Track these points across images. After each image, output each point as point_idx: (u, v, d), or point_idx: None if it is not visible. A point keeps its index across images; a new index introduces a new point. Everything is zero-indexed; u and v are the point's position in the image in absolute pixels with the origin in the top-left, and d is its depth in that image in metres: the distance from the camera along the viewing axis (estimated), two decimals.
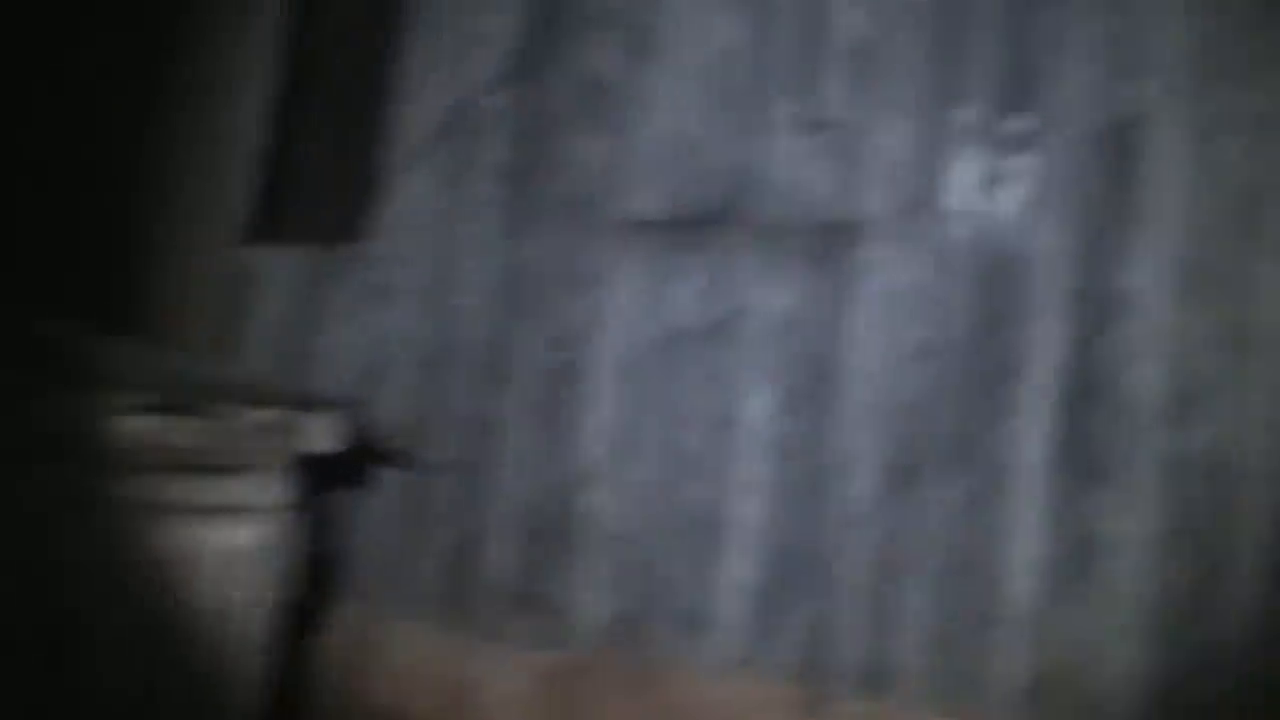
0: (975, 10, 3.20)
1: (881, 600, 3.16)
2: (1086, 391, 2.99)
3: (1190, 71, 2.98)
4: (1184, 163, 2.96)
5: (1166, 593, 2.87)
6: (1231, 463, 2.84)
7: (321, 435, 3.48)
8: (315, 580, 3.80)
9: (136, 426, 3.22)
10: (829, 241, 3.32)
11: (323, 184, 4.26)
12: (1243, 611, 2.81)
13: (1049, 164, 3.09)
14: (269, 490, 3.48)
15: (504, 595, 3.68)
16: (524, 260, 3.74)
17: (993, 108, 3.17)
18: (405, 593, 3.85)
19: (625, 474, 3.51)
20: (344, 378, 4.00)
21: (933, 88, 3.24)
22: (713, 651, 3.34)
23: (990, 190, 3.15)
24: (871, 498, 3.19)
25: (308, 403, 3.52)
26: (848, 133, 3.33)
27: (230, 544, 3.41)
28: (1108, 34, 3.05)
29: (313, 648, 3.90)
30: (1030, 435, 3.05)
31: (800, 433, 3.31)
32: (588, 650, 3.52)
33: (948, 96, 3.22)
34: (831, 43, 3.38)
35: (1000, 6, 3.19)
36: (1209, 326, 2.90)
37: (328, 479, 3.72)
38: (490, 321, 3.79)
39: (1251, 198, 2.89)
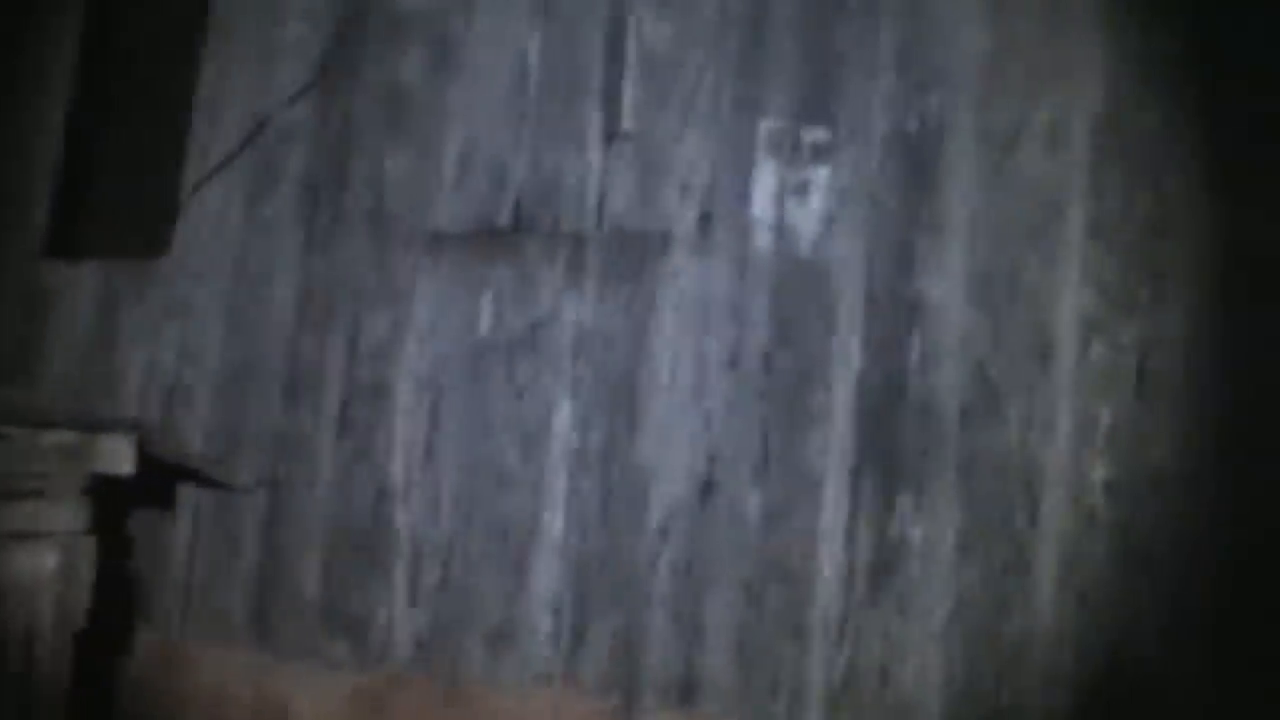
0: (775, 22, 3.21)
1: (689, 611, 3.14)
2: (888, 398, 3.02)
3: (984, 82, 3.03)
4: (979, 171, 3.01)
5: (968, 594, 2.91)
6: (1032, 465, 2.88)
7: (120, 458, 3.37)
8: (121, 603, 3.67)
9: None
10: (632, 252, 3.30)
11: (124, 197, 4.12)
12: (1042, 612, 2.85)
13: (848, 174, 3.12)
14: (68, 514, 3.35)
15: (314, 614, 3.59)
16: (327, 274, 3.66)
17: (792, 119, 3.19)
18: (214, 613, 3.73)
19: (432, 489, 3.45)
20: (147, 396, 3.88)
21: (734, 99, 3.25)
22: (523, 666, 3.30)
23: (791, 200, 3.16)
24: (677, 508, 3.17)
25: (106, 424, 3.41)
26: (650, 144, 3.32)
27: (29, 569, 3.31)
28: (903, 45, 3.10)
29: (119, 671, 3.76)
30: (834, 442, 3.06)
31: (605, 444, 3.28)
32: (398, 667, 3.45)
33: (748, 108, 3.24)
34: (634, 54, 3.37)
35: (799, 19, 3.21)
36: (1007, 332, 2.94)
37: (131, 500, 3.59)
38: (294, 337, 3.69)
39: (1046, 205, 2.94)
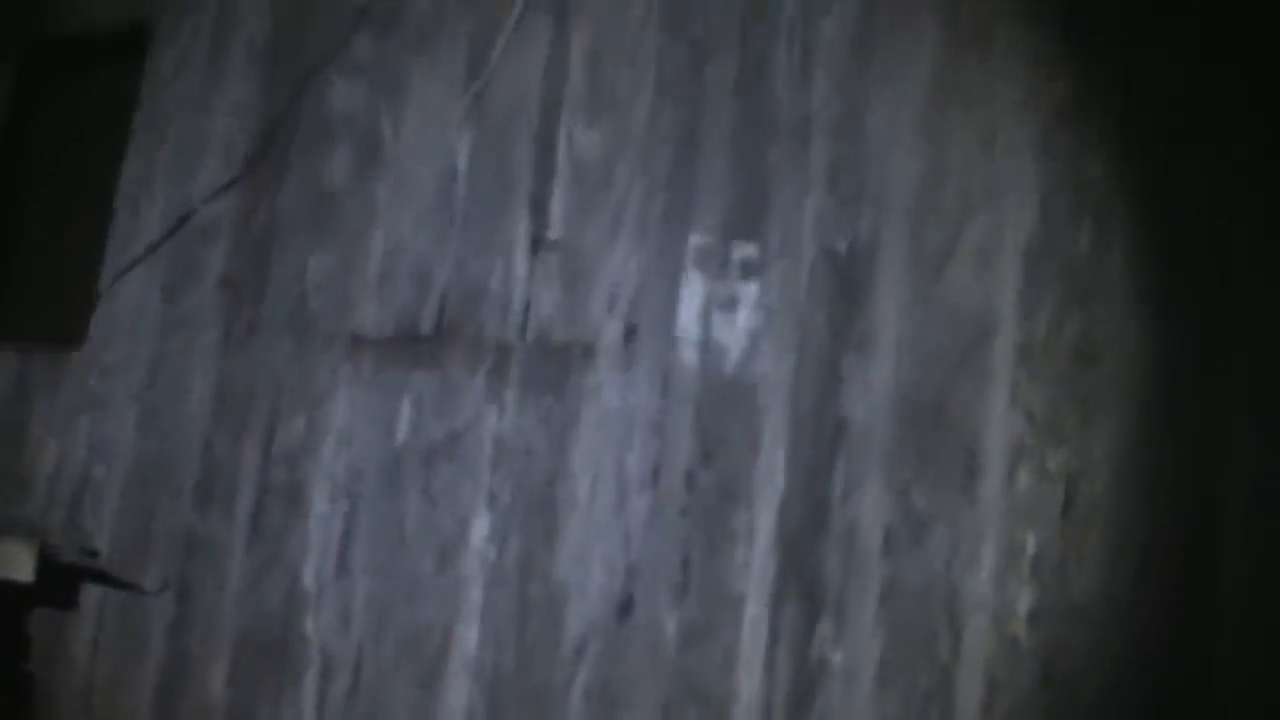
0: (706, 137, 3.17)
1: None
2: (811, 520, 2.93)
3: (915, 203, 2.98)
4: (908, 293, 2.94)
5: None
6: (955, 592, 2.80)
7: (20, 565, 3.24)
8: (19, 706, 3.51)
9: None
10: (555, 363, 3.23)
11: (40, 286, 4.02)
12: None
13: (776, 292, 3.05)
14: None
15: None
16: (244, 373, 3.57)
17: (721, 234, 3.12)
18: (117, 717, 3.59)
19: (345, 597, 3.34)
20: (55, 491, 3.76)
21: (663, 212, 3.19)
22: None
23: (718, 316, 3.09)
24: (594, 626, 3.08)
25: (7, 525, 3.27)
26: (577, 253, 3.26)
27: None
28: (834, 164, 3.05)
29: None
30: (755, 564, 2.97)
31: (523, 558, 3.18)
32: None
33: (678, 221, 3.17)
34: (563, 162, 3.32)
35: (730, 134, 3.16)
36: (933, 456, 2.87)
37: (31, 601, 3.45)
38: (208, 436, 3.60)
39: (975, 329, 2.88)
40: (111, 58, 4.10)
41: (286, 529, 3.44)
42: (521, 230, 3.33)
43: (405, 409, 3.36)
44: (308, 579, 3.39)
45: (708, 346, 3.09)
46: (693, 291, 3.13)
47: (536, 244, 3.31)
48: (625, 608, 3.06)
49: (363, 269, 3.47)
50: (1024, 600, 2.79)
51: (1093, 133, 2.94)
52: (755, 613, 2.96)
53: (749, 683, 2.93)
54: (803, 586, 2.92)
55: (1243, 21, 2.97)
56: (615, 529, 3.11)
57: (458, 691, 3.19)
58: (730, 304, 3.09)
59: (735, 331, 3.07)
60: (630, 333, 3.17)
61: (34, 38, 4.22)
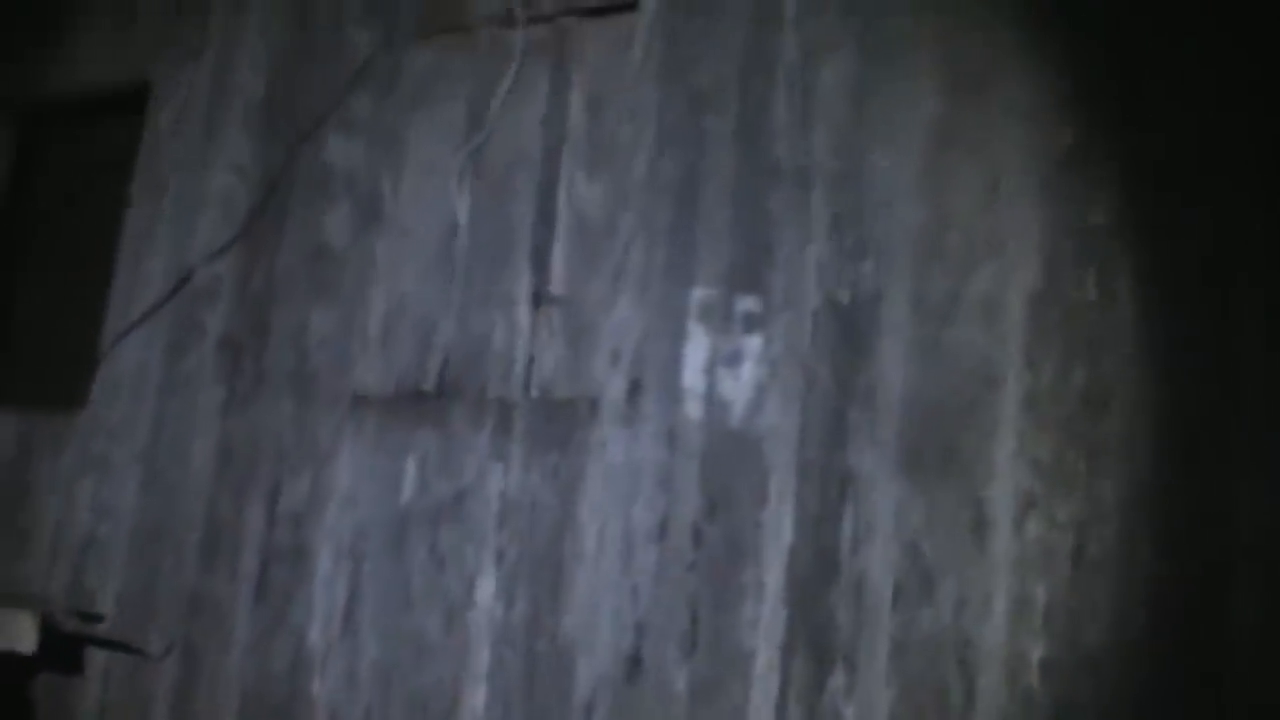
0: (707, 189, 3.13)
1: None
2: (819, 573, 2.89)
3: (919, 253, 2.95)
4: (913, 343, 2.91)
5: None
6: (967, 643, 2.76)
7: (23, 636, 3.21)
8: None
9: None
10: (559, 420, 3.18)
11: (41, 347, 3.98)
12: None
13: (780, 344, 3.01)
14: None
15: None
16: (247, 434, 3.52)
17: (724, 287, 3.09)
18: None
19: (351, 658, 3.29)
20: (58, 554, 3.71)
21: (665, 265, 3.15)
22: None
23: (722, 369, 3.05)
24: (604, 683, 3.03)
25: (9, 596, 3.24)
26: (580, 309, 3.22)
27: None
28: (837, 214, 3.01)
29: None
30: (764, 618, 2.93)
31: (530, 616, 3.13)
32: None
33: (680, 276, 3.14)
34: (566, 219, 3.28)
35: (731, 186, 3.13)
36: (941, 507, 2.83)
37: (35, 668, 3.41)
38: (212, 497, 3.55)
39: (981, 378, 2.85)
40: (111, 117, 4.08)
41: (292, 590, 3.39)
42: (523, 285, 3.30)
43: (410, 468, 3.31)
44: (314, 640, 3.34)
45: (712, 400, 3.05)
46: (696, 345, 3.09)
47: (538, 299, 3.27)
48: (634, 664, 3.01)
49: (364, 327, 3.44)
50: (1036, 651, 2.76)
51: (1096, 180, 2.91)
52: (765, 667, 2.91)
53: None
54: (813, 639, 2.88)
55: (1248, 70, 2.95)
56: (623, 585, 3.06)
57: None
58: (734, 357, 3.05)
59: (740, 385, 3.03)
60: (634, 388, 3.13)
61: (33, 98, 4.19)
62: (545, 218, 3.30)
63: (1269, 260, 2.88)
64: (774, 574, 2.93)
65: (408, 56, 3.55)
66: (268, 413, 3.50)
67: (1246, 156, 2.91)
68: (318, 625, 3.33)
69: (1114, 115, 2.94)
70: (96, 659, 3.59)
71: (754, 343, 3.04)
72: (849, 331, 2.97)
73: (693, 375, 3.08)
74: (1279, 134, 2.91)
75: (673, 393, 3.09)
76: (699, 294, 3.11)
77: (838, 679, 2.85)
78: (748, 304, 3.06)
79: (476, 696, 3.14)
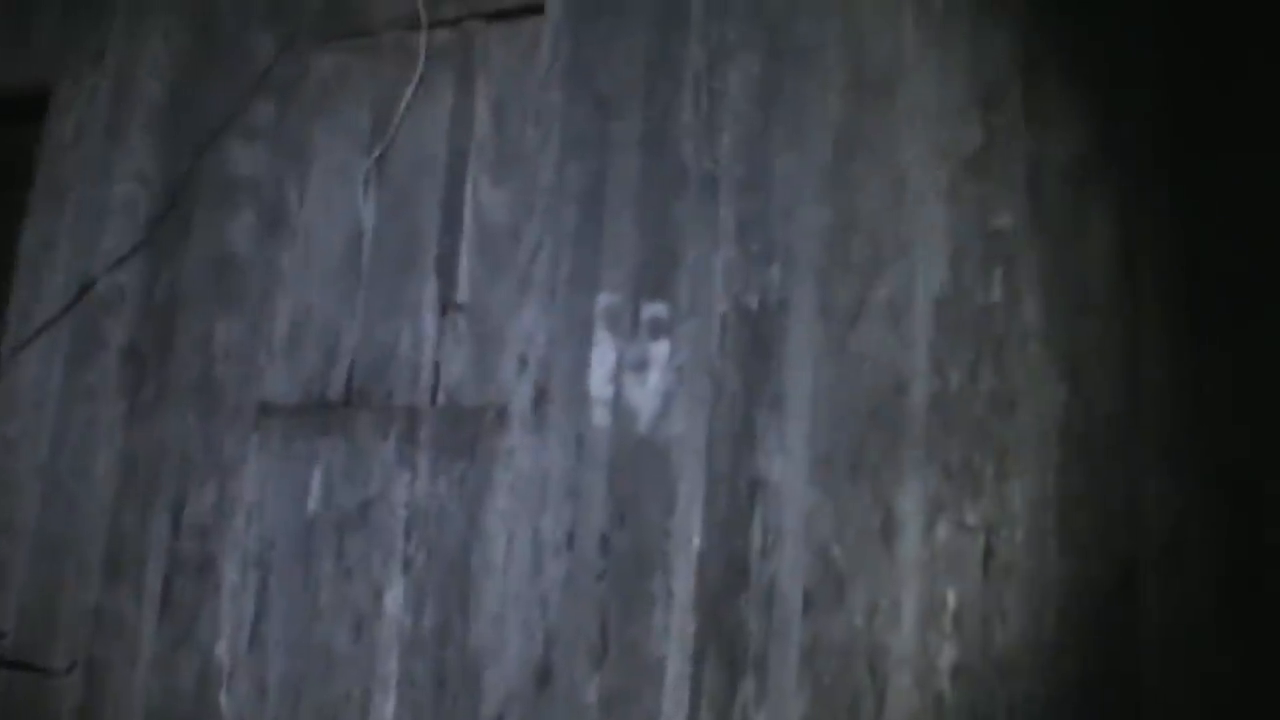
0: (612, 194, 3.08)
1: None
2: (729, 580, 2.84)
3: (825, 257, 2.92)
4: (821, 348, 2.88)
5: None
6: (877, 649, 2.74)
7: None
8: None
9: None
10: (466, 428, 3.12)
11: None
12: None
13: (687, 350, 2.97)
14: None
15: None
16: (151, 446, 3.44)
17: (630, 293, 3.04)
18: None
19: (259, 671, 3.21)
20: None
21: (572, 272, 3.09)
22: None
23: (629, 376, 3.00)
24: (514, 694, 2.97)
25: None
26: (486, 315, 3.16)
27: None
28: (743, 219, 2.97)
29: None
30: (675, 626, 2.87)
31: (439, 626, 3.06)
32: None
33: (587, 282, 3.08)
34: (472, 226, 3.22)
35: (637, 191, 3.08)
36: (850, 512, 2.80)
37: None
38: (115, 511, 3.46)
39: (889, 382, 2.84)
40: (8, 124, 3.99)
41: (198, 603, 3.31)
42: (429, 293, 3.24)
43: (316, 477, 3.24)
44: (221, 654, 3.26)
45: (620, 407, 3.01)
46: (603, 352, 3.04)
47: (445, 306, 3.21)
48: (544, 674, 2.95)
49: (269, 336, 3.37)
50: (946, 655, 2.75)
51: (1001, 182, 2.91)
52: (676, 676, 2.86)
53: None
54: (723, 647, 2.84)
55: (1150, 70, 2.96)
56: (532, 594, 3.00)
57: None
58: (641, 364, 3.00)
59: (647, 392, 2.99)
60: (541, 395, 3.07)
61: None
62: (451, 224, 3.25)
63: (1172, 259, 2.90)
64: (683, 582, 2.88)
65: (311, 61, 3.49)
66: (172, 424, 3.42)
67: (1150, 158, 2.93)
68: (225, 639, 3.26)
69: (1018, 117, 2.94)
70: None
71: (661, 349, 2.99)
72: (757, 337, 2.92)
73: (600, 382, 3.03)
74: (1181, 131, 2.93)
75: (580, 400, 3.04)
76: (605, 300, 3.06)
77: (749, 687, 2.80)
78: (654, 310, 3.01)
79: (385, 707, 3.08)
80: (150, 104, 3.67)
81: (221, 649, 3.26)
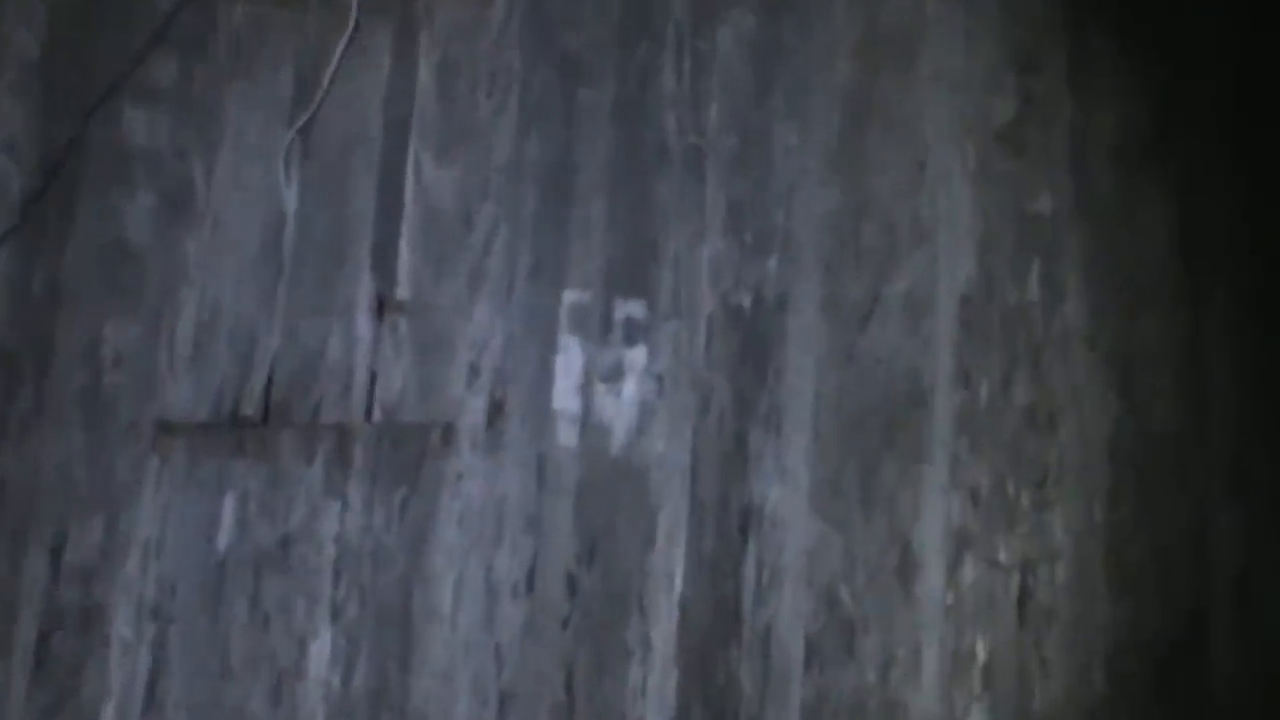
0: (581, 174, 2.91)
1: None
2: (717, 628, 2.67)
3: (830, 245, 2.75)
4: (826, 353, 2.71)
5: None
6: (893, 709, 2.55)
7: None
8: None
9: None
10: (407, 449, 2.86)
11: None
12: None
13: (668, 356, 2.79)
14: None
15: None
16: (24, 471, 3.03)
17: (601, 289, 2.83)
18: None
19: None
20: None
21: (532, 266, 2.89)
22: None
23: (601, 387, 2.82)
24: None
25: None
26: (431, 316, 2.89)
27: None
28: (735, 203, 2.81)
29: None
30: (653, 682, 2.63)
31: (373, 685, 2.79)
32: None
33: (550, 277, 2.88)
34: (413, 211, 2.98)
35: (610, 170, 2.88)
36: (861, 548, 2.61)
37: None
38: None
39: (908, 395, 2.69)
40: None
41: (81, 661, 2.93)
42: (363, 289, 2.95)
43: (228, 508, 2.91)
44: None
45: (589, 424, 2.75)
46: (569, 359, 2.79)
47: (382, 305, 2.93)
48: None
49: (171, 340, 3.02)
50: (975, 716, 2.52)
51: (1040, 159, 2.73)
52: None
53: None
54: (711, 707, 2.58)
55: (1216, 31, 2.72)
56: (484, 646, 2.72)
57: None
58: (614, 373, 2.76)
59: (621, 405, 2.74)
60: (496, 410, 2.80)
61: None
62: (389, 209, 2.95)
63: (1239, 248, 2.66)
64: (663, 630, 2.62)
65: (222, 13, 3.13)
66: (52, 445, 3.02)
67: (1211, 128, 2.69)
68: (113, 703, 2.90)
69: (1060, 83, 2.73)
70: None
71: (638, 355, 2.75)
72: (750, 341, 2.69)
73: (565, 394, 2.78)
74: (1248, 102, 2.69)
75: (542, 415, 2.78)
76: (572, 298, 2.81)
77: None
78: (630, 309, 2.78)
79: None
80: (22, 59, 3.28)
81: (109, 715, 2.86)
